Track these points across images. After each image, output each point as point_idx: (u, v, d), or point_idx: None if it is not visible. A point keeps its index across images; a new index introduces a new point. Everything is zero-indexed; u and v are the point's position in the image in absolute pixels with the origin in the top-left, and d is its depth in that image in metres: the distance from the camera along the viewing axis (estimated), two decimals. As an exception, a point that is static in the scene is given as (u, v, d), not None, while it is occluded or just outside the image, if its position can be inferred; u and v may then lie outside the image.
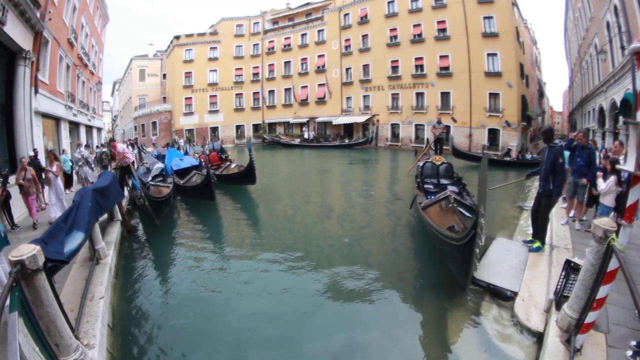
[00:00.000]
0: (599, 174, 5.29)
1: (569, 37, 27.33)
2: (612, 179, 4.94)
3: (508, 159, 18.59)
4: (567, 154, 7.02)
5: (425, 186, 7.55)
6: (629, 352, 2.68)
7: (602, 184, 5.08)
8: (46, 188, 7.56)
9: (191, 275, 5.37)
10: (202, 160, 13.10)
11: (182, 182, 10.87)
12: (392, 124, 27.92)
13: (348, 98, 30.75)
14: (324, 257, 6.00)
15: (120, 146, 8.85)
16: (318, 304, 4.48)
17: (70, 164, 10.48)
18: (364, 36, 29.05)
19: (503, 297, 4.18)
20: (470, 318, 3.97)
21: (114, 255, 5.38)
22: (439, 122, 12.99)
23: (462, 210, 5.60)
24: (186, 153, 16.32)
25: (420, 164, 8.65)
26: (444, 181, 7.75)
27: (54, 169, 7.36)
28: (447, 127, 20.59)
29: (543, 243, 5.19)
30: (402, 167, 18.08)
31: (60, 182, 7.56)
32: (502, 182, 6.02)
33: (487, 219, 7.76)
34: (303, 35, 33.12)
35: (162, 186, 9.71)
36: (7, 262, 3.08)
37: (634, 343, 2.65)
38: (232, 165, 13.14)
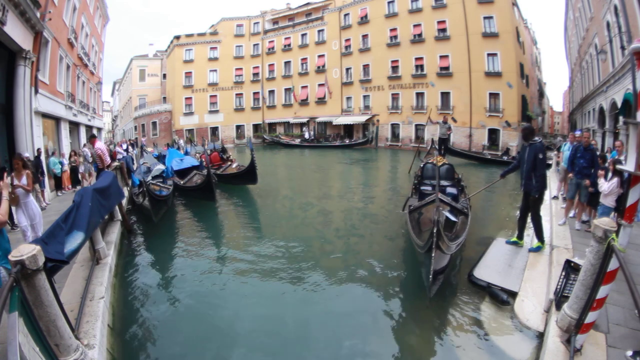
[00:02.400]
0: (600, 173, 5.29)
1: (569, 37, 27.32)
2: (615, 180, 4.93)
3: (506, 158, 18.92)
4: (567, 154, 7.03)
5: (423, 188, 7.36)
6: (629, 352, 2.68)
7: (604, 185, 5.07)
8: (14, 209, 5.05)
9: (191, 275, 5.37)
10: (203, 160, 13.11)
11: (182, 182, 10.87)
12: (392, 124, 27.91)
13: (348, 98, 30.74)
14: (323, 257, 6.00)
15: (99, 145, 8.40)
16: (316, 305, 4.48)
17: (60, 166, 10.29)
18: (364, 36, 29.04)
19: (499, 300, 4.14)
20: (470, 318, 3.96)
21: (114, 255, 5.38)
22: (444, 122, 12.52)
23: (447, 214, 5.41)
24: (187, 153, 16.36)
25: (421, 164, 8.54)
26: (444, 182, 7.56)
27: (24, 181, 4.92)
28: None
29: (542, 242, 5.20)
30: (402, 167, 18.09)
31: (32, 200, 5.15)
32: (502, 181, 5.97)
33: (486, 219, 7.81)
34: (303, 35, 33.11)
35: (162, 186, 9.71)
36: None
37: (629, 353, 2.67)
38: (233, 165, 13.14)
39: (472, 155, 19.31)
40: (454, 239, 4.60)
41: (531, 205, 5.12)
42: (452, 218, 5.32)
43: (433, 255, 3.51)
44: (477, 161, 18.71)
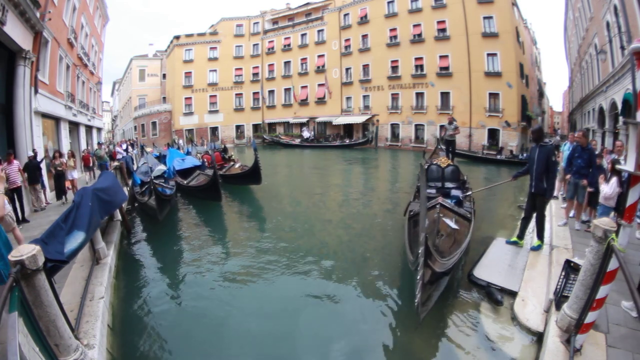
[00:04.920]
0: (602, 177, 5.27)
1: (569, 37, 27.32)
2: (615, 180, 4.91)
3: (499, 157, 19.16)
4: (566, 154, 7.02)
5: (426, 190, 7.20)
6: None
7: (605, 188, 5.04)
8: None
9: (191, 274, 5.37)
10: (206, 160, 13.11)
11: (185, 182, 10.84)
12: (392, 124, 27.92)
13: (348, 98, 30.74)
14: (324, 258, 5.99)
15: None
16: (316, 306, 4.48)
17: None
18: (364, 36, 29.05)
19: (494, 300, 4.11)
20: (470, 318, 3.96)
21: (114, 255, 5.38)
22: (450, 123, 12.01)
23: (447, 221, 5.17)
24: (188, 153, 16.36)
25: (425, 165, 8.37)
26: (448, 185, 7.32)
27: None
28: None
29: (543, 241, 5.21)
30: (402, 167, 18.13)
31: None
32: (496, 178, 5.90)
33: (486, 219, 7.79)
34: (303, 35, 33.12)
35: (165, 185, 9.71)
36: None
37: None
38: (236, 165, 13.08)
39: (464, 154, 19.53)
40: (451, 250, 4.33)
41: (539, 206, 5.10)
42: (452, 225, 5.13)
43: (418, 278, 3.05)
44: (469, 159, 18.96)
